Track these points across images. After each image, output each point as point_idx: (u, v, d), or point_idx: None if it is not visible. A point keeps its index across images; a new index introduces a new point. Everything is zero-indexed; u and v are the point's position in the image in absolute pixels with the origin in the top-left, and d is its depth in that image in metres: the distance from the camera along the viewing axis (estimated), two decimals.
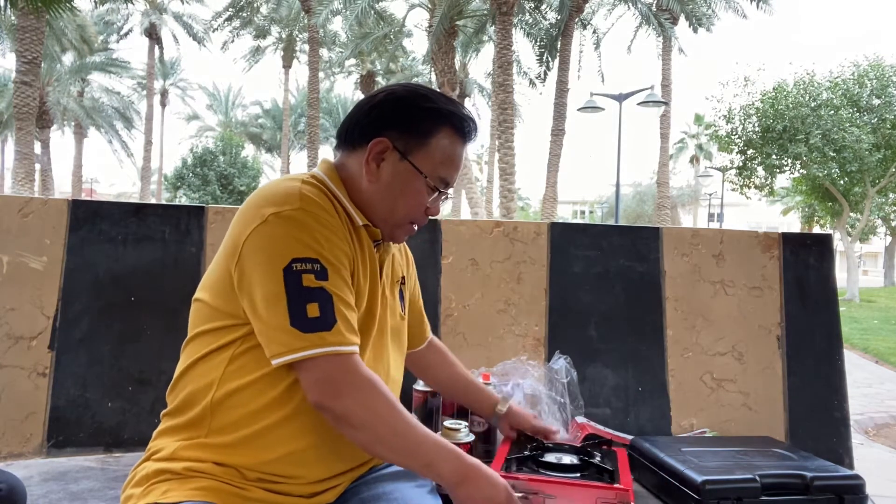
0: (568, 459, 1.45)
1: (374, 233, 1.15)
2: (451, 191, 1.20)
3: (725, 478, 1.50)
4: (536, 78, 21.19)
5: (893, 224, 25.23)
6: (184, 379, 1.09)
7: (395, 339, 1.24)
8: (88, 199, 3.12)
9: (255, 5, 28.28)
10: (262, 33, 30.72)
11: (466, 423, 1.54)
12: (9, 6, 9.52)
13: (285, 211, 1.00)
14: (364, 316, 1.11)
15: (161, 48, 31.61)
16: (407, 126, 1.12)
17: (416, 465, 1.03)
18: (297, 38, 31.12)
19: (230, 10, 27.33)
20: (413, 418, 1.03)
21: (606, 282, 2.28)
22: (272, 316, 0.96)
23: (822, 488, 1.52)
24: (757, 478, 1.50)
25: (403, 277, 1.31)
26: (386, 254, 1.21)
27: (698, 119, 38.89)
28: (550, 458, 1.45)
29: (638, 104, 15.45)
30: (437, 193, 1.15)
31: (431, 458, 1.01)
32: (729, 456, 1.68)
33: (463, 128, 1.15)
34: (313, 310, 0.96)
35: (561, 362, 2.07)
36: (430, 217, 1.18)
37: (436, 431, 1.92)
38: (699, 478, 1.48)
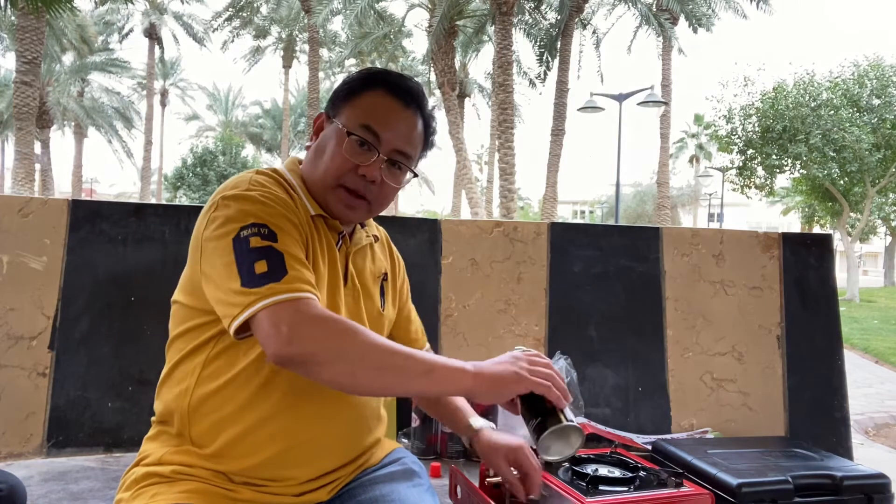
0: (618, 472, 1.38)
1: (333, 224, 1.12)
2: (403, 160, 1.12)
3: (760, 480, 1.51)
4: (536, 78, 21.19)
5: (893, 224, 25.22)
6: (164, 386, 1.09)
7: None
8: (88, 199, 3.12)
9: (255, 5, 28.29)
10: (261, 33, 30.73)
11: None
12: (9, 6, 9.52)
13: (234, 192, 1.01)
14: (326, 306, 1.05)
15: (161, 48, 31.60)
16: (339, 93, 1.12)
17: (414, 377, 0.97)
18: (297, 38, 31.13)
19: (230, 10, 27.34)
20: (386, 339, 0.98)
21: (606, 282, 2.28)
22: (224, 284, 0.94)
23: (852, 488, 1.53)
24: (790, 479, 1.52)
25: (386, 274, 1.27)
26: (355, 245, 1.17)
27: (698, 119, 38.89)
28: (599, 473, 1.37)
29: (638, 104, 15.45)
30: (368, 150, 1.07)
31: (428, 364, 0.99)
32: (756, 457, 1.68)
33: (393, 83, 1.11)
34: (261, 266, 0.93)
35: (561, 362, 2.06)
36: (370, 181, 1.08)
37: (434, 431, 1.93)
38: (735, 481, 1.49)
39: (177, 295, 1.10)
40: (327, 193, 1.09)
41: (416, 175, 1.18)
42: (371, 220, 1.24)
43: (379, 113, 1.09)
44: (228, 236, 0.96)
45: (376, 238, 1.25)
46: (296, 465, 1.06)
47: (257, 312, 0.91)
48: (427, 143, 1.17)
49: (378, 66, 29.25)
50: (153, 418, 1.12)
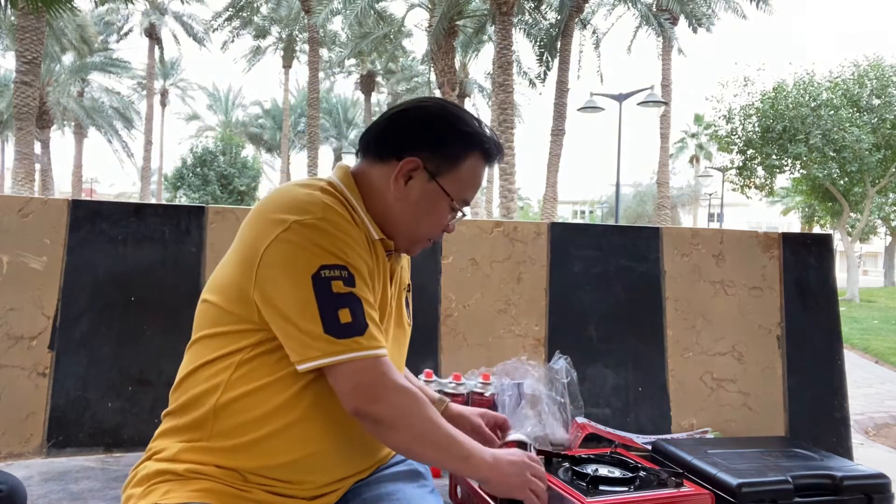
0: (618, 472, 1.39)
1: (388, 244, 1.16)
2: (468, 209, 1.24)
3: (760, 480, 1.51)
4: (536, 78, 21.20)
5: (893, 224, 25.22)
6: (188, 380, 1.08)
7: (398, 349, 1.24)
8: (88, 199, 3.12)
9: (255, 5, 28.28)
10: (262, 33, 30.71)
11: None
12: (9, 6, 9.51)
13: (308, 219, 1.00)
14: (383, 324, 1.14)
15: (161, 48, 31.60)
16: (439, 147, 1.13)
17: (453, 460, 1.07)
18: (297, 38, 31.12)
19: (230, 10, 27.33)
20: (441, 417, 1.07)
21: (606, 282, 2.28)
22: (303, 323, 0.97)
23: (852, 488, 1.53)
24: (790, 479, 1.52)
25: (409, 284, 1.32)
26: (397, 263, 1.21)
27: (698, 119, 38.87)
28: (599, 473, 1.38)
29: (638, 104, 15.45)
30: (456, 213, 1.19)
31: (466, 451, 1.06)
32: (755, 457, 1.68)
33: (490, 152, 1.17)
34: (345, 315, 0.98)
35: (561, 362, 2.06)
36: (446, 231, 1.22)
37: None
38: (735, 481, 1.49)
39: (210, 295, 1.10)
40: (414, 243, 1.19)
41: (464, 214, 1.28)
42: None
43: (476, 186, 1.18)
44: (307, 272, 0.98)
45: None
46: (316, 470, 1.07)
47: (340, 364, 0.97)
48: None
49: (378, 66, 29.23)
50: (165, 412, 1.11)
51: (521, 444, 1.26)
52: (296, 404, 1.03)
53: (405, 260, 1.30)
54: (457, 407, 1.41)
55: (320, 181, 1.11)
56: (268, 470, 1.04)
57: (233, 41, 28.56)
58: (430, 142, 1.13)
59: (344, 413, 1.05)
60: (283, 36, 31.60)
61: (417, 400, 1.02)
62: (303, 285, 0.97)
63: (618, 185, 16.56)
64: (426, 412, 1.03)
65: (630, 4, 20.80)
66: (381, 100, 34.77)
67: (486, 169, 1.19)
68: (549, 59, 19.70)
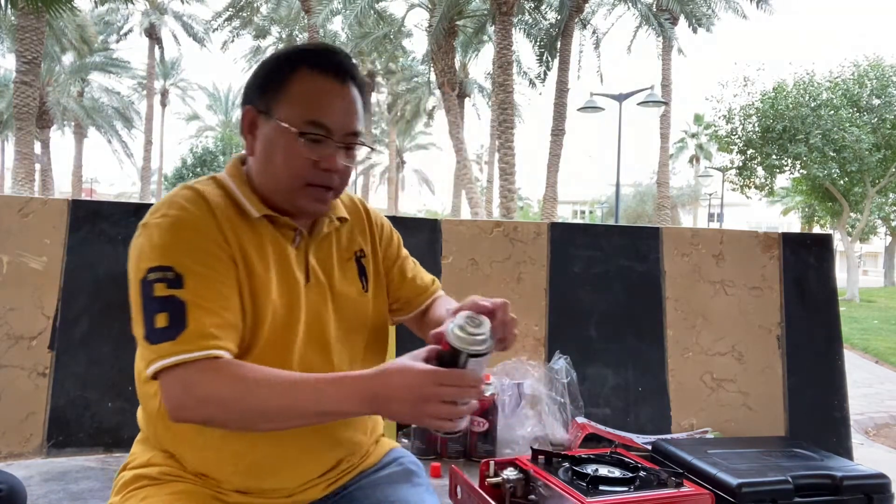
0: (618, 472, 1.38)
1: (285, 222, 1.06)
2: (358, 138, 1.05)
3: (760, 480, 1.52)
4: (536, 78, 21.19)
5: (893, 224, 25.23)
6: (139, 392, 1.07)
7: (349, 324, 1.12)
8: (88, 199, 3.11)
9: (255, 5, 28.27)
10: (261, 33, 30.70)
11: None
12: (9, 6, 9.51)
13: (150, 220, 0.97)
14: (284, 318, 1.03)
15: (161, 48, 31.61)
16: (264, 85, 1.05)
17: (311, 418, 0.93)
18: (297, 38, 31.11)
19: (230, 10, 27.33)
20: (283, 377, 0.92)
21: (606, 282, 2.28)
22: (136, 328, 0.93)
23: (852, 488, 1.54)
24: (790, 479, 1.52)
25: (362, 250, 1.19)
26: (316, 238, 1.10)
27: (698, 119, 38.88)
28: (599, 473, 1.37)
29: (638, 104, 15.45)
30: (321, 142, 1.02)
31: (322, 405, 0.90)
32: (755, 457, 1.69)
33: (320, 61, 1.03)
34: (161, 320, 0.91)
35: (561, 362, 2.06)
36: (336, 173, 1.04)
37: (435, 434, 1.92)
38: (735, 481, 1.49)
39: None
40: (295, 197, 1.04)
41: (372, 149, 1.14)
42: (336, 200, 1.16)
43: (320, 102, 1.03)
44: (138, 275, 0.94)
45: (343, 220, 1.17)
46: (270, 476, 1.04)
47: (156, 373, 0.91)
48: (366, 109, 1.11)
49: (378, 66, 29.22)
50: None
51: (454, 352, 0.89)
52: None
53: (358, 226, 1.20)
54: (438, 312, 1.20)
55: (211, 176, 1.08)
56: (231, 478, 1.02)
57: (233, 41, 28.55)
58: (257, 83, 1.05)
59: None
60: (283, 36, 31.58)
61: (233, 394, 0.90)
62: (135, 289, 0.94)
63: (618, 185, 16.56)
64: (249, 398, 0.90)
65: (630, 4, 20.79)
66: (381, 100, 34.77)
67: (335, 82, 1.03)
68: (549, 59, 19.70)
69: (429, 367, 0.89)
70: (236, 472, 1.02)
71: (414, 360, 0.90)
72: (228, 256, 0.99)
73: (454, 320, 0.91)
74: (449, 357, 0.90)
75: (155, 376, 0.91)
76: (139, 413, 1.08)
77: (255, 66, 1.08)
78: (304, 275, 1.08)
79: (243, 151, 1.11)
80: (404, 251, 1.30)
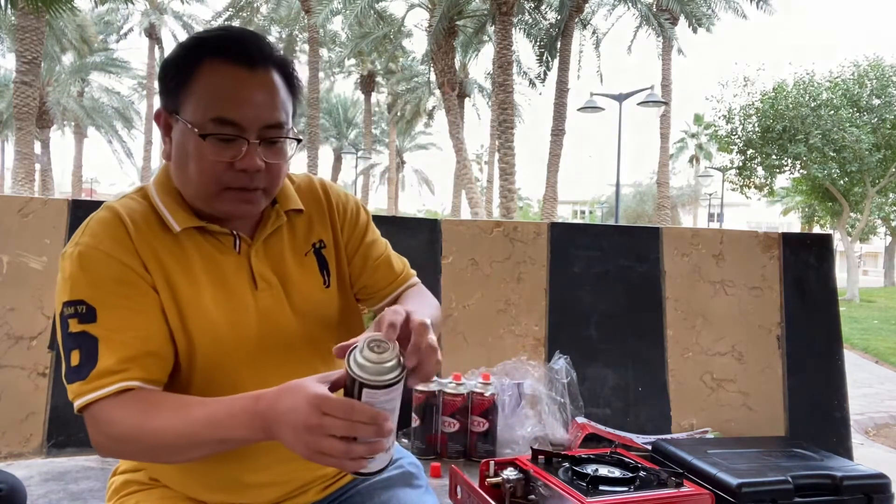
0: (618, 472, 1.39)
1: (214, 229, 0.97)
2: (268, 132, 0.93)
3: (760, 480, 1.52)
4: (536, 78, 21.20)
5: (893, 224, 25.23)
6: None
7: (314, 327, 1.04)
8: (88, 199, 3.11)
9: (255, 5, 28.28)
10: (261, 33, 30.74)
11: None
12: (9, 6, 9.52)
13: (67, 250, 0.92)
14: (230, 331, 0.96)
15: (161, 48, 31.61)
16: (167, 80, 0.94)
17: (214, 447, 0.86)
18: (297, 38, 31.12)
19: (230, 10, 27.34)
20: (184, 404, 0.86)
21: (606, 282, 2.28)
22: (62, 364, 0.91)
23: (852, 488, 1.54)
24: (790, 479, 1.52)
25: (321, 241, 1.08)
26: (260, 238, 1.01)
27: (698, 119, 38.90)
28: (599, 473, 1.37)
29: (638, 104, 15.45)
30: (233, 141, 0.91)
31: (219, 432, 0.82)
32: (755, 457, 1.69)
33: (225, 49, 0.92)
34: (75, 357, 0.88)
35: (561, 362, 2.07)
36: (259, 172, 0.93)
37: (434, 431, 1.93)
38: (735, 481, 1.49)
39: None
40: (214, 201, 0.94)
41: (299, 140, 1.00)
42: (287, 191, 1.06)
43: (226, 94, 0.91)
44: (57, 310, 0.91)
45: (296, 211, 1.06)
46: (249, 490, 1.00)
47: (78, 410, 0.89)
48: (294, 93, 0.98)
49: (378, 66, 29.20)
50: None
51: (350, 379, 0.76)
52: None
53: (316, 216, 1.09)
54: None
55: (140, 187, 1.01)
56: (201, 493, 1.00)
57: None
58: (163, 81, 0.95)
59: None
60: (283, 36, 31.59)
61: (131, 433, 0.86)
62: (58, 324, 0.91)
63: (618, 185, 16.56)
64: (145, 438, 0.85)
65: (630, 4, 20.80)
66: (381, 100, 34.79)
67: (244, 69, 0.91)
68: (549, 59, 19.70)
69: (320, 391, 0.75)
70: (213, 488, 0.99)
71: (318, 382, 0.78)
72: (145, 282, 0.92)
73: (358, 342, 0.78)
74: (349, 384, 0.76)
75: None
76: None
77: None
78: (252, 282, 0.99)
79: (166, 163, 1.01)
80: (373, 233, 1.16)
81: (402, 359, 0.78)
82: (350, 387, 0.76)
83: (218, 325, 0.95)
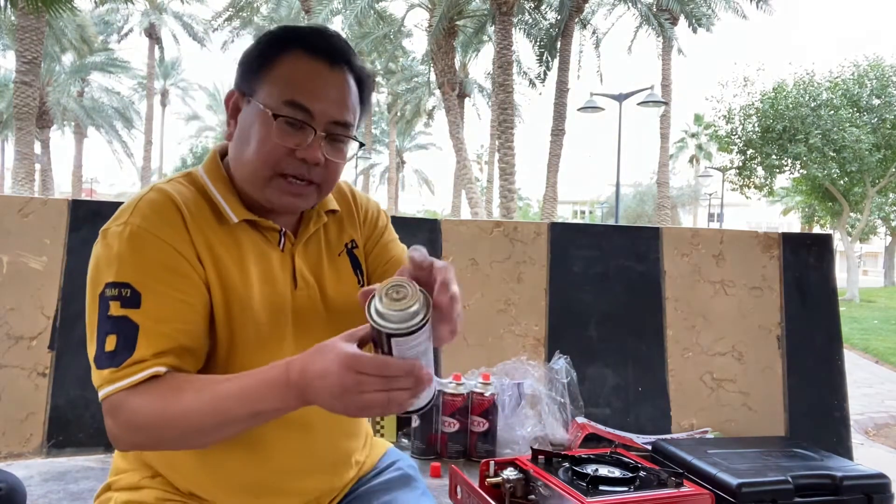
0: (618, 472, 1.39)
1: (268, 225, 0.97)
2: (353, 132, 0.96)
3: (760, 480, 1.52)
4: (536, 78, 21.19)
5: (893, 224, 25.24)
6: None
7: (345, 329, 1.00)
8: (88, 199, 3.11)
9: (255, 5, 28.29)
10: (262, 33, 30.75)
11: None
12: (9, 6, 9.52)
13: (111, 228, 0.88)
14: (269, 327, 0.96)
15: (161, 48, 31.63)
16: (249, 65, 0.96)
17: (244, 424, 0.84)
18: None
19: (230, 10, 27.33)
20: (209, 393, 0.83)
21: (606, 282, 2.28)
22: (89, 344, 0.87)
23: (852, 488, 1.54)
24: (790, 479, 1.52)
25: (353, 241, 1.10)
26: (303, 238, 1.02)
27: (698, 119, 38.91)
28: (599, 473, 1.37)
29: (638, 104, 15.45)
30: (301, 128, 0.92)
31: (251, 410, 0.81)
32: (755, 457, 1.69)
33: (311, 42, 0.94)
34: (110, 342, 0.84)
35: (561, 362, 2.06)
36: (317, 166, 0.93)
37: (434, 431, 1.93)
38: (735, 481, 1.49)
39: None
40: (265, 187, 0.94)
41: (362, 144, 1.02)
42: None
43: (304, 82, 0.93)
44: (96, 289, 0.87)
45: (334, 212, 1.08)
46: (267, 496, 0.99)
47: (104, 398, 0.85)
48: (364, 102, 1.01)
49: (378, 66, 29.27)
50: None
51: (374, 331, 0.75)
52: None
53: (348, 217, 1.11)
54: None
55: (181, 175, 0.98)
56: (216, 499, 0.97)
57: (233, 41, 28.56)
58: (242, 65, 0.97)
59: (253, 440, 0.95)
60: None
61: (160, 420, 0.83)
62: (93, 303, 0.87)
63: (618, 185, 16.56)
64: (178, 424, 0.83)
65: (630, 4, 20.80)
66: (381, 100, 34.78)
67: (324, 65, 0.94)
68: (549, 59, 19.70)
69: (350, 350, 0.74)
70: (230, 492, 0.97)
71: (346, 340, 0.76)
72: (196, 273, 0.90)
73: (375, 288, 0.74)
74: (376, 336, 0.74)
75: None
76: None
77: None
78: (292, 280, 0.99)
79: (222, 142, 1.02)
80: (391, 233, 1.19)
81: (425, 297, 0.74)
82: (378, 338, 0.73)
83: (260, 321, 0.94)
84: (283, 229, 1.00)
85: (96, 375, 0.85)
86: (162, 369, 0.85)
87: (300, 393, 0.77)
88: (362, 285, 1.07)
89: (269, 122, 0.91)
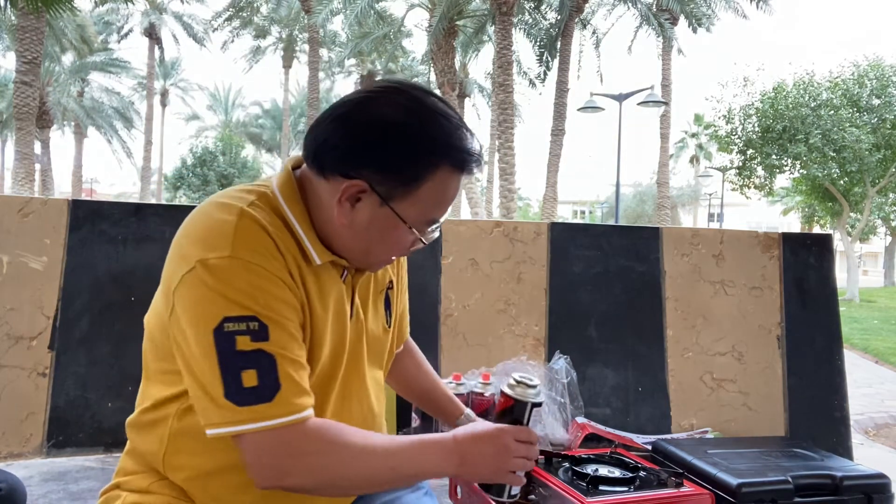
0: (618, 472, 1.39)
1: (340, 262, 0.98)
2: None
3: (760, 480, 1.51)
4: (536, 78, 21.20)
5: (893, 224, 25.23)
6: (141, 418, 0.98)
7: (374, 361, 1.10)
8: (88, 199, 3.12)
9: (255, 5, 28.30)
10: (262, 33, 30.74)
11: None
12: (9, 6, 9.52)
13: (212, 259, 0.84)
14: (330, 359, 0.98)
15: (161, 48, 31.62)
16: (392, 166, 0.89)
17: (406, 482, 0.99)
18: (297, 38, 31.14)
19: (230, 10, 27.36)
20: (379, 443, 0.90)
21: (606, 282, 2.28)
22: (206, 383, 0.83)
23: (852, 488, 1.54)
24: (790, 479, 1.52)
25: (391, 281, 1.14)
26: (358, 277, 1.04)
27: (698, 119, 38.91)
28: (599, 473, 1.37)
29: (638, 104, 15.45)
30: (424, 235, 0.97)
31: (415, 468, 0.91)
32: (755, 457, 1.69)
33: (464, 162, 0.92)
34: (250, 378, 0.82)
35: (561, 362, 2.06)
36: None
37: (434, 431, 1.93)
38: (735, 481, 1.49)
39: (149, 320, 0.97)
40: (371, 265, 1.01)
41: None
42: None
43: (446, 203, 0.94)
44: (209, 325, 0.83)
45: None
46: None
47: (243, 434, 0.83)
48: None
49: (378, 66, 29.24)
50: (129, 431, 1.03)
51: (523, 384, 1.03)
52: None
53: None
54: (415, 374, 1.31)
55: (248, 195, 0.92)
56: None
57: (233, 41, 28.61)
58: (382, 159, 0.89)
59: None
60: (283, 36, 31.62)
61: (334, 456, 0.86)
62: (205, 340, 0.83)
63: (618, 185, 16.57)
64: (347, 463, 0.87)
65: (630, 4, 20.80)
66: None
67: (461, 179, 0.95)
68: (549, 59, 19.71)
69: (502, 425, 0.97)
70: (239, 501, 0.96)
71: (483, 422, 0.99)
72: (298, 302, 0.90)
73: (505, 381, 1.04)
74: (516, 412, 1.01)
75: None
76: (134, 436, 1.00)
77: (372, 124, 0.89)
78: (351, 311, 1.02)
79: (283, 169, 0.98)
80: (406, 282, 1.24)
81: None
82: (518, 413, 1.01)
83: (327, 353, 0.97)
84: (349, 266, 1.01)
85: (230, 412, 0.83)
86: (311, 412, 0.87)
87: (461, 459, 0.92)
88: (389, 327, 1.13)
89: (404, 232, 0.94)
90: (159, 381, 0.95)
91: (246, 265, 0.84)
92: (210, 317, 0.83)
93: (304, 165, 0.97)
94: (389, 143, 0.89)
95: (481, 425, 0.97)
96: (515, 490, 1.03)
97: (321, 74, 27.62)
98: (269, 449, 0.84)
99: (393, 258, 1.03)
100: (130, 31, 31.36)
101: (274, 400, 0.83)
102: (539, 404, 1.02)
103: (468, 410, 1.30)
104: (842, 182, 17.09)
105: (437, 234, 1.00)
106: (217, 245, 0.85)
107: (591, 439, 1.98)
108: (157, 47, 31.08)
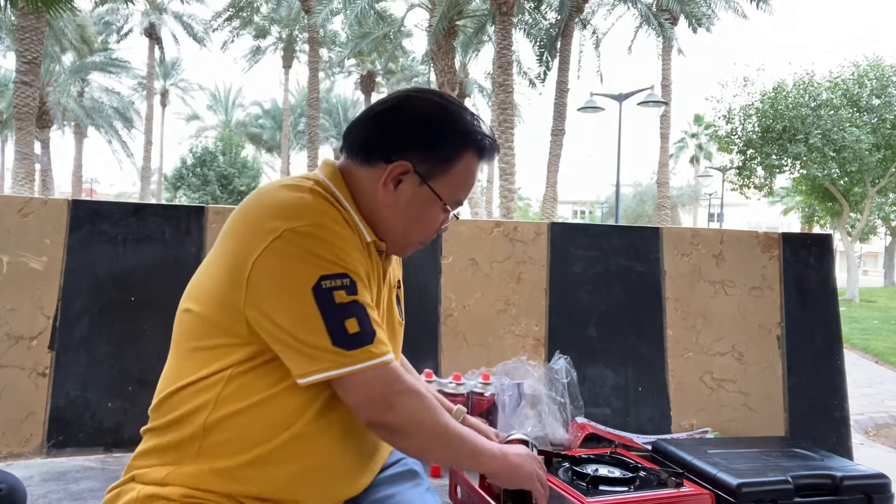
0: (618, 472, 1.40)
1: (380, 245, 1.11)
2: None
3: (760, 480, 1.51)
4: (536, 78, 21.21)
5: (893, 224, 25.23)
6: (173, 398, 1.02)
7: (397, 347, 1.22)
8: (88, 199, 3.12)
9: (255, 5, 28.29)
10: (262, 33, 30.74)
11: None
12: (9, 6, 9.52)
13: (301, 226, 0.95)
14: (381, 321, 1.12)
15: (161, 48, 31.62)
16: (431, 149, 1.07)
17: (463, 457, 1.08)
18: (297, 38, 31.13)
19: (230, 10, 27.35)
20: (448, 416, 1.07)
21: (606, 282, 2.28)
22: (309, 337, 0.93)
23: (852, 488, 1.54)
24: (790, 479, 1.52)
25: (399, 281, 1.27)
26: (388, 263, 1.17)
27: (698, 119, 38.91)
28: (599, 473, 1.38)
29: (638, 104, 15.45)
30: (449, 215, 1.15)
31: (475, 448, 1.07)
32: (755, 457, 1.68)
33: (485, 149, 1.12)
34: (352, 325, 0.95)
35: (561, 362, 2.06)
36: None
37: None
38: (735, 481, 1.49)
39: (192, 304, 1.02)
40: (406, 248, 1.15)
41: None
42: None
43: (470, 185, 1.13)
44: (307, 284, 0.93)
45: None
46: (315, 487, 1.03)
47: (351, 375, 0.95)
48: None
49: (378, 66, 29.25)
50: (145, 429, 1.06)
51: (523, 443, 1.27)
52: (297, 418, 0.99)
53: (395, 257, 1.25)
54: (471, 419, 1.41)
55: (307, 181, 1.05)
56: (265, 491, 0.99)
57: (233, 41, 28.60)
58: (422, 143, 1.07)
59: (346, 425, 1.04)
60: (283, 36, 31.61)
61: (427, 402, 1.02)
62: (303, 299, 0.93)
63: (618, 185, 16.57)
64: (436, 415, 1.03)
65: (630, 4, 20.81)
66: None
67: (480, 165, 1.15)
68: (549, 59, 19.71)
69: (537, 456, 1.21)
70: (279, 480, 0.99)
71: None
72: (366, 267, 1.04)
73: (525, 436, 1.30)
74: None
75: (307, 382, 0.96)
76: (164, 414, 1.02)
77: (412, 114, 1.09)
78: (382, 282, 1.15)
79: (335, 161, 1.13)
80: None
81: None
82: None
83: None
84: (383, 251, 1.15)
85: (340, 356, 0.94)
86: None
87: (503, 453, 1.11)
88: (402, 320, 1.25)
89: (440, 210, 1.11)
90: (199, 358, 1.01)
91: (332, 231, 0.97)
92: (307, 276, 0.94)
93: (342, 160, 1.12)
94: (431, 129, 1.08)
95: (519, 447, 1.19)
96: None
97: (321, 74, 27.61)
98: (377, 383, 0.96)
99: (425, 241, 1.16)
100: (130, 31, 31.38)
101: (374, 342, 0.96)
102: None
103: (460, 405, 1.41)
104: (842, 182, 17.09)
105: (461, 216, 1.20)
106: (301, 215, 0.96)
107: (591, 439, 1.98)
108: (157, 47, 31.08)
